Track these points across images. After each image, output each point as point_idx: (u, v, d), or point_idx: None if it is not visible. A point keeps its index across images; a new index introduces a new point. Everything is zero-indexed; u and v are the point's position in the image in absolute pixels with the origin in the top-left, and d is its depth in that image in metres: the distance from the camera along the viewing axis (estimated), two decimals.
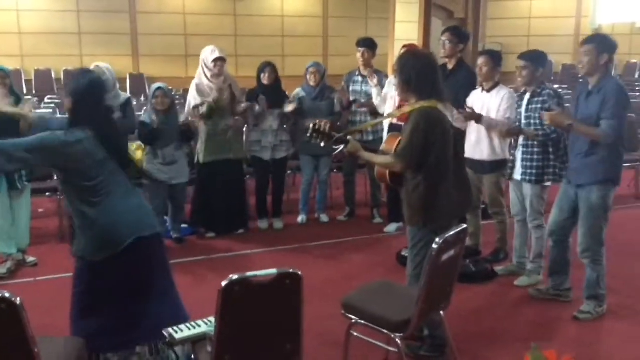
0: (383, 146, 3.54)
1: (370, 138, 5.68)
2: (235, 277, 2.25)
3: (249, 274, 2.28)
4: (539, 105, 4.25)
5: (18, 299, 2.10)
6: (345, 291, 3.29)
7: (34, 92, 12.01)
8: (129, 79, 13.10)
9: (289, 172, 6.29)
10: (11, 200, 4.78)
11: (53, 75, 12.87)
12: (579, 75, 8.55)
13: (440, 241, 2.68)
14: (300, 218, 6.18)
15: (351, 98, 5.94)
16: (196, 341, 2.60)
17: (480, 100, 4.72)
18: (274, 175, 5.99)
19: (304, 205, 6.22)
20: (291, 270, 2.34)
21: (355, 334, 3.09)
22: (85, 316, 2.90)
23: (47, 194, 5.57)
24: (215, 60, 5.37)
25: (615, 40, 3.82)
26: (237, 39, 14.34)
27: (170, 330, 2.63)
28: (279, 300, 2.37)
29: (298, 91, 5.98)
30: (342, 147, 3.34)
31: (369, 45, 5.89)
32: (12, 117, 4.56)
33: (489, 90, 4.69)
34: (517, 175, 4.46)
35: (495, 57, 4.72)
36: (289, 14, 15.17)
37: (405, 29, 6.50)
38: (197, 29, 14.00)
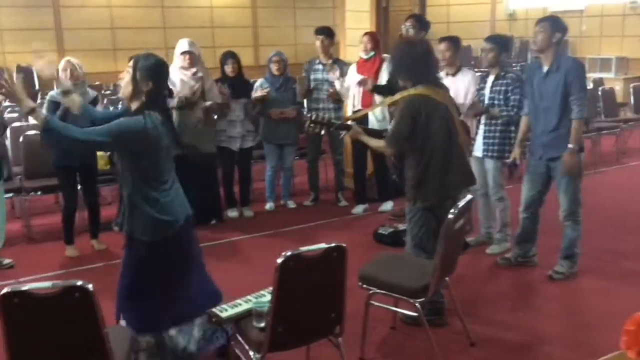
0: None
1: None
2: (289, 253, 2.41)
3: (302, 248, 2.45)
4: (502, 88, 4.60)
5: (90, 285, 2.17)
6: None
7: None
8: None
9: (252, 160, 6.38)
10: None
11: None
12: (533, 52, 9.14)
13: (455, 211, 2.94)
14: (268, 205, 6.30)
15: (312, 86, 6.11)
16: (239, 319, 2.72)
17: (446, 85, 5.01)
18: (240, 165, 6.07)
19: (270, 193, 6.34)
20: (336, 244, 2.53)
21: (375, 303, 3.28)
22: (136, 298, 2.92)
23: None
24: (184, 53, 5.38)
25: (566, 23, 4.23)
26: (165, 31, 14.11)
27: (214, 310, 2.74)
28: (327, 271, 2.55)
29: (261, 82, 6.05)
30: (344, 132, 3.54)
31: (327, 33, 6.06)
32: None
33: (454, 74, 4.96)
34: (478, 152, 4.79)
35: (455, 42, 5.02)
36: (217, 5, 15.07)
37: (355, 17, 6.75)
38: (124, 22, 13.71)
